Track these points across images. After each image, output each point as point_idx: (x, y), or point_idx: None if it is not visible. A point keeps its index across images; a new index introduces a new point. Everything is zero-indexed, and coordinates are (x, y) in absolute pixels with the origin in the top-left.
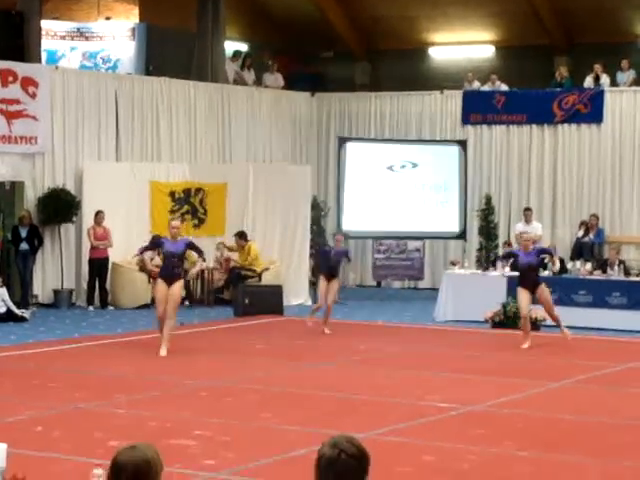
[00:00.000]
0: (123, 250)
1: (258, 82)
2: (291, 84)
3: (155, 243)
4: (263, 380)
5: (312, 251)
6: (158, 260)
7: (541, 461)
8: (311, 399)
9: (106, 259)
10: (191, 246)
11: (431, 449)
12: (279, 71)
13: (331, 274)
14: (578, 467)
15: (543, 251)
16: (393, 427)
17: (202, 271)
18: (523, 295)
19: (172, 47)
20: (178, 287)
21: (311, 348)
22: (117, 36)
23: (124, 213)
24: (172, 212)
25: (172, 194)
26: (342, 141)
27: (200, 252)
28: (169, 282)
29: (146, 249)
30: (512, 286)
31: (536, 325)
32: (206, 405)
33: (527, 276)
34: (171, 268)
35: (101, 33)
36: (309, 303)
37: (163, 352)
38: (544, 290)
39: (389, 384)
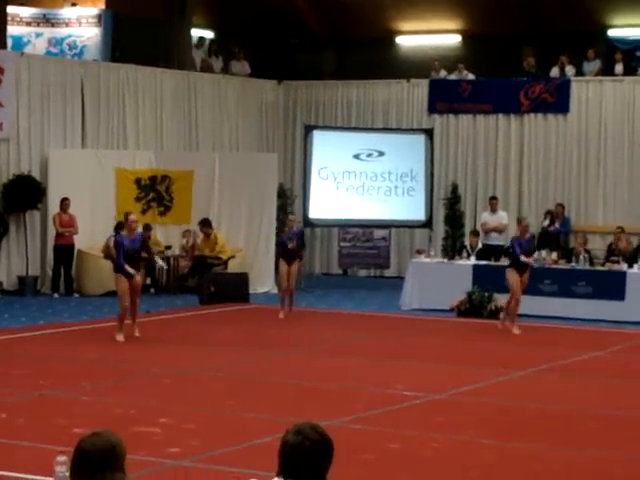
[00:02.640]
0: (88, 237)
1: (225, 69)
2: (258, 72)
3: (119, 245)
4: (228, 368)
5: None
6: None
7: (504, 449)
8: (276, 387)
9: (71, 246)
10: (144, 242)
11: (395, 437)
12: (246, 59)
13: (289, 257)
14: (541, 455)
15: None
16: (358, 415)
17: (167, 260)
18: (515, 277)
19: (138, 34)
20: (139, 279)
21: (277, 336)
22: (83, 22)
23: (90, 200)
24: (138, 199)
25: (138, 181)
26: (309, 129)
27: (150, 252)
28: (129, 276)
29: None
30: (478, 275)
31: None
32: (171, 393)
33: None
34: (132, 263)
35: (67, 19)
36: (275, 291)
37: (137, 333)
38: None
39: (355, 372)
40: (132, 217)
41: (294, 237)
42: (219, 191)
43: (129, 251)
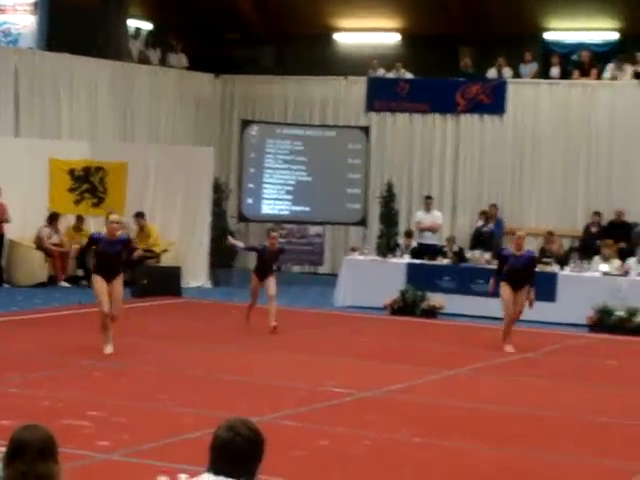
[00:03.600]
0: (20, 227)
1: (162, 62)
2: (195, 65)
3: (91, 242)
4: (160, 361)
5: (213, 233)
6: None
7: (435, 447)
8: (208, 381)
9: (1, 236)
10: (127, 245)
11: (326, 434)
12: (183, 51)
13: (263, 274)
14: (471, 454)
15: (533, 264)
16: (289, 411)
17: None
18: (507, 292)
19: (75, 23)
20: (120, 285)
21: (209, 330)
22: (19, 10)
23: (22, 189)
24: (71, 190)
25: (71, 172)
26: (245, 124)
27: (130, 252)
28: (109, 279)
29: (84, 249)
30: (411, 273)
31: (434, 313)
32: (101, 386)
33: (516, 277)
34: (110, 267)
35: (2, 6)
36: (208, 285)
37: (109, 350)
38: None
39: (287, 368)
40: (113, 217)
41: (276, 254)
42: (154, 184)
43: (104, 253)
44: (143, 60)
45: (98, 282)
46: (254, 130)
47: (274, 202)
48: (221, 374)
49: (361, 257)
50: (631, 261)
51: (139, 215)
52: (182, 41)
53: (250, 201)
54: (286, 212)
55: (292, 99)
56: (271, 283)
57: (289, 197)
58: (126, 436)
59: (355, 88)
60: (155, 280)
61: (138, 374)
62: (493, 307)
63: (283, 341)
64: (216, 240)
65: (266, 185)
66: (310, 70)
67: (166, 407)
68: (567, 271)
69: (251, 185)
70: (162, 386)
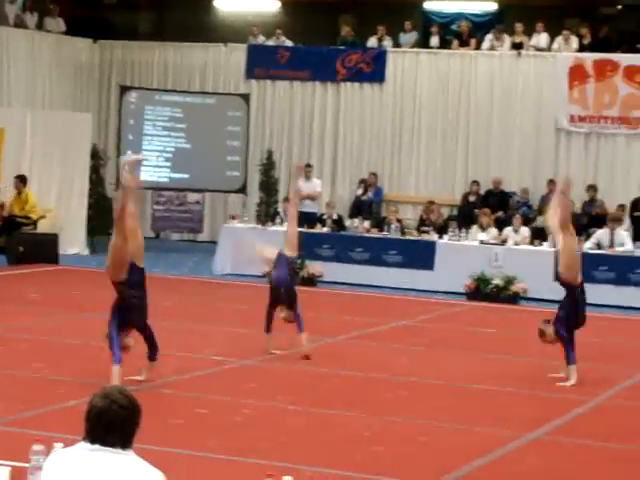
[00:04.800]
0: None
1: (39, 26)
2: (73, 30)
3: None
4: (36, 330)
5: (91, 200)
6: None
7: (312, 415)
8: (85, 350)
9: None
10: None
11: (205, 402)
12: (61, 16)
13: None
14: (350, 422)
15: None
16: (167, 379)
17: None
18: None
19: None
20: None
21: (87, 298)
22: None
23: None
24: None
25: None
26: (124, 90)
27: None
28: None
29: None
30: None
31: (312, 281)
32: None
33: None
34: None
35: None
36: (86, 253)
37: None
38: None
39: (165, 336)
40: None
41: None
42: (30, 149)
43: None
44: (19, 24)
45: None
46: (133, 96)
47: (153, 169)
48: (98, 342)
49: (240, 225)
50: (508, 230)
51: (20, 179)
52: (60, 5)
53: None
54: (165, 179)
55: (171, 65)
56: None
57: (168, 164)
58: (1, 405)
59: (235, 55)
60: (31, 247)
61: (13, 342)
62: (372, 275)
63: (162, 309)
64: (93, 207)
65: (145, 152)
66: (190, 37)
67: (42, 376)
68: (445, 240)
69: (130, 152)
70: (39, 354)
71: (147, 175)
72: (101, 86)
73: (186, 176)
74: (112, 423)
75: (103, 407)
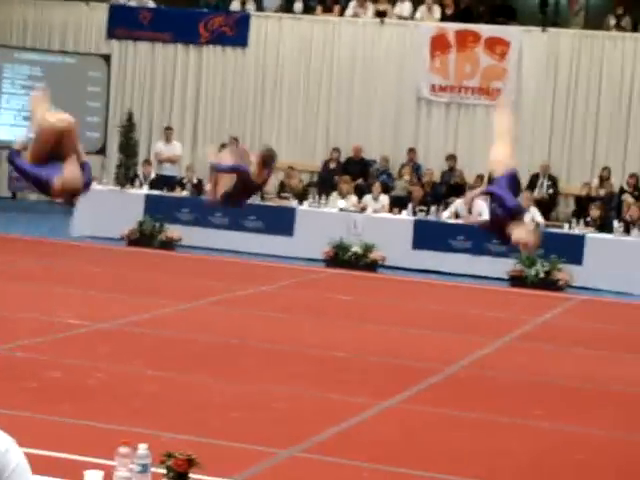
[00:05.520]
0: None
1: None
2: None
3: None
4: None
5: None
6: None
7: (168, 380)
8: None
9: None
10: None
11: (58, 365)
12: None
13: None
14: (203, 387)
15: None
16: (20, 342)
17: None
18: None
19: None
20: None
21: None
22: None
23: None
24: None
25: None
26: None
27: None
28: None
29: None
30: (150, 205)
31: (171, 245)
32: None
33: None
34: None
35: None
36: None
37: None
38: None
39: (19, 299)
40: None
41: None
42: None
43: None
44: None
45: None
46: None
47: (10, 128)
48: None
49: (99, 187)
50: (367, 198)
51: None
52: None
53: None
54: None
55: (31, 23)
56: None
57: (26, 123)
58: None
59: (96, 14)
60: None
61: None
62: (231, 240)
63: (15, 270)
64: None
65: (3, 111)
66: None
67: None
68: (305, 206)
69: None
70: None
71: (4, 134)
72: None
73: None
74: None
75: None
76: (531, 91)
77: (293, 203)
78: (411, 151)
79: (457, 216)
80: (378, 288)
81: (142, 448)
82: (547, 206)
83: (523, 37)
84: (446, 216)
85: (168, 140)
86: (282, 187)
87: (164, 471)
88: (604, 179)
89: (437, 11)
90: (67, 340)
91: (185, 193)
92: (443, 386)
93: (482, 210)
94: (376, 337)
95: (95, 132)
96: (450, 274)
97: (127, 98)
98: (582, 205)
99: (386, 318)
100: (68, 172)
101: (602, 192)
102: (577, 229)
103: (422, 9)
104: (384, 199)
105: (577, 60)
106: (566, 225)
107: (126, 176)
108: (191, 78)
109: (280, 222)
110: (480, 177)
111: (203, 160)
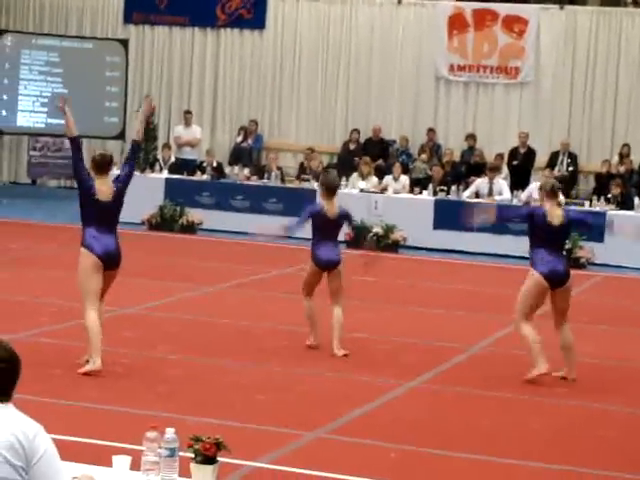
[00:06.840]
0: None
1: None
2: None
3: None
4: None
5: None
6: None
7: (192, 364)
8: None
9: None
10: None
11: (83, 351)
12: None
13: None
14: (228, 370)
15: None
16: (44, 328)
17: None
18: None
19: None
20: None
21: None
22: None
23: None
24: None
25: None
26: (0, 33)
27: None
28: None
29: None
30: (170, 189)
31: (192, 229)
32: None
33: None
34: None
35: None
36: None
37: None
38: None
39: (41, 284)
40: None
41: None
42: None
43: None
44: None
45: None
46: (8, 40)
47: (29, 114)
48: None
49: (118, 171)
50: (388, 178)
51: None
52: None
53: (4, 113)
54: (42, 125)
55: (48, 8)
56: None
57: (44, 109)
58: None
59: None
60: None
61: None
62: (252, 223)
63: (37, 257)
64: None
65: (21, 97)
66: None
67: None
68: None
69: (5, 97)
70: None
71: (24, 120)
72: None
73: (63, 122)
74: None
75: None
76: (549, 69)
77: (313, 185)
78: (430, 131)
79: (478, 195)
80: (400, 269)
81: (169, 432)
82: (568, 184)
83: (541, 15)
84: (467, 195)
85: (187, 124)
86: (302, 169)
87: (192, 455)
88: (624, 156)
89: None
90: None
91: (205, 177)
92: (467, 365)
93: (502, 189)
94: (399, 318)
95: (114, 117)
96: (471, 253)
97: (145, 82)
98: (602, 182)
99: (409, 298)
100: None
101: (622, 169)
102: (598, 206)
103: None
104: (404, 179)
105: (595, 37)
106: (587, 203)
107: (146, 160)
108: (209, 61)
109: (301, 204)
110: (500, 156)
111: (222, 144)
